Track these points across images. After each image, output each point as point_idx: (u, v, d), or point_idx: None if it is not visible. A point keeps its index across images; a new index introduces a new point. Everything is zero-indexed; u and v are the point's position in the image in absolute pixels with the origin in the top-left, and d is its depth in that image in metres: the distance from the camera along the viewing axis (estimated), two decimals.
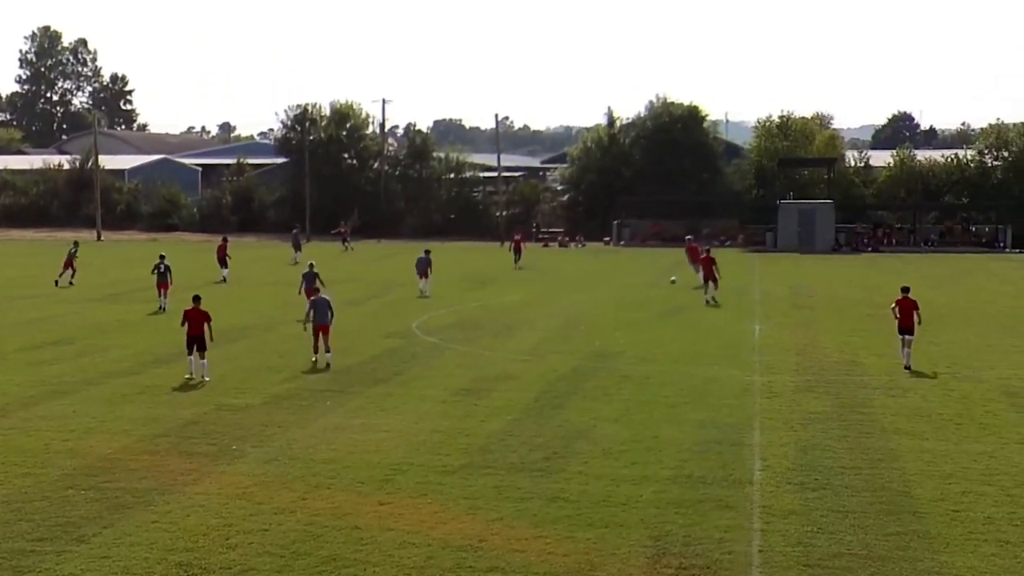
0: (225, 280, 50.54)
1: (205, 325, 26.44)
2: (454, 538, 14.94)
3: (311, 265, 37.98)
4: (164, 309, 38.79)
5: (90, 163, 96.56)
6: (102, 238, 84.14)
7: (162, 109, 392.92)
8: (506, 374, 27.13)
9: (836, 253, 75.45)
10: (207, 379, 25.92)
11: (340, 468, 18.36)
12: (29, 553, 14.40)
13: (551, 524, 15.53)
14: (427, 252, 47.24)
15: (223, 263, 51.84)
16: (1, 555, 14.30)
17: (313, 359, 28.29)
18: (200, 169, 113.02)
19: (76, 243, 52.60)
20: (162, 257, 41.69)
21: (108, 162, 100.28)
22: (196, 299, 27.07)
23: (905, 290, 28.53)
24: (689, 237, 59.44)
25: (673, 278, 50.93)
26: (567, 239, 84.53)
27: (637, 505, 16.41)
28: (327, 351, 28.21)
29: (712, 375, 27.08)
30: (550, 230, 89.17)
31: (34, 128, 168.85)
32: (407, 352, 30.59)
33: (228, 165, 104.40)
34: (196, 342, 26.27)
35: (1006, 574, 13.95)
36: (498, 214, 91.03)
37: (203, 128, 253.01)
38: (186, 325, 26.56)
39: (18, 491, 17.09)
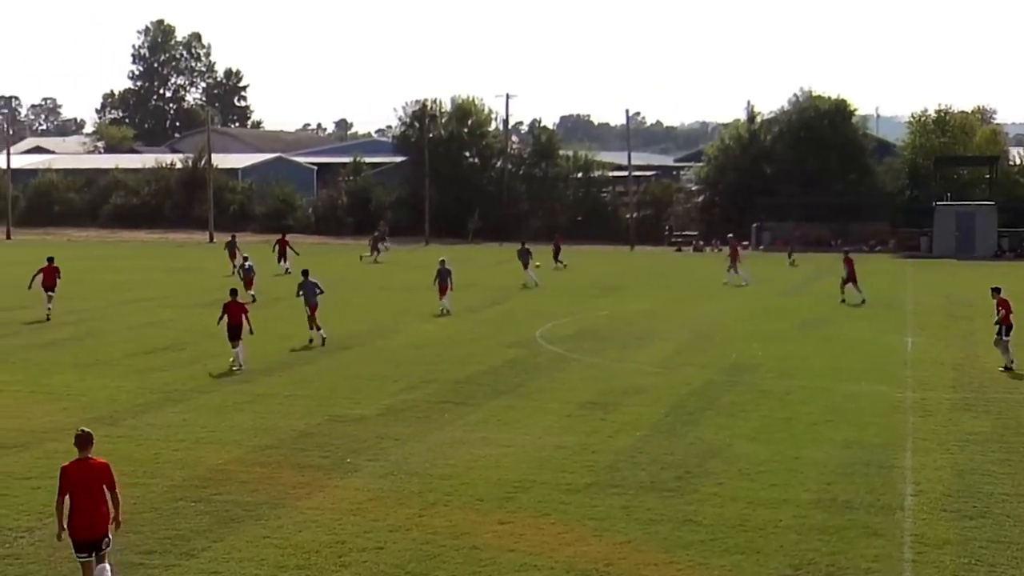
0: (288, 272, 54.59)
1: (243, 317, 29.26)
2: (579, 561, 14.94)
3: (442, 262, 41.42)
4: (254, 300, 42.93)
5: (203, 162, 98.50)
6: (214, 240, 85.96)
7: (277, 106, 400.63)
8: (635, 387, 27.05)
9: (998, 259, 73.52)
10: (243, 367, 28.74)
11: (458, 484, 18.50)
12: (137, 566, 14.81)
13: (683, 549, 15.44)
14: (524, 243, 55.04)
15: (283, 256, 57.66)
16: None
17: (310, 339, 32.81)
18: (315, 168, 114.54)
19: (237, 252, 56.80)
20: (245, 258, 49.04)
21: (221, 161, 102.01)
22: (233, 292, 30.59)
23: (997, 290, 31.36)
24: (730, 236, 62.83)
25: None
26: (702, 243, 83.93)
27: (776, 530, 16.23)
28: (319, 329, 32.78)
29: (859, 391, 26.65)
30: (684, 233, 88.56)
31: (146, 126, 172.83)
32: (530, 362, 30.71)
33: (344, 164, 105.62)
34: (235, 332, 29.00)
35: None
36: (628, 216, 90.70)
37: (319, 125, 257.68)
38: (225, 317, 29.33)
39: (127, 502, 17.45)
